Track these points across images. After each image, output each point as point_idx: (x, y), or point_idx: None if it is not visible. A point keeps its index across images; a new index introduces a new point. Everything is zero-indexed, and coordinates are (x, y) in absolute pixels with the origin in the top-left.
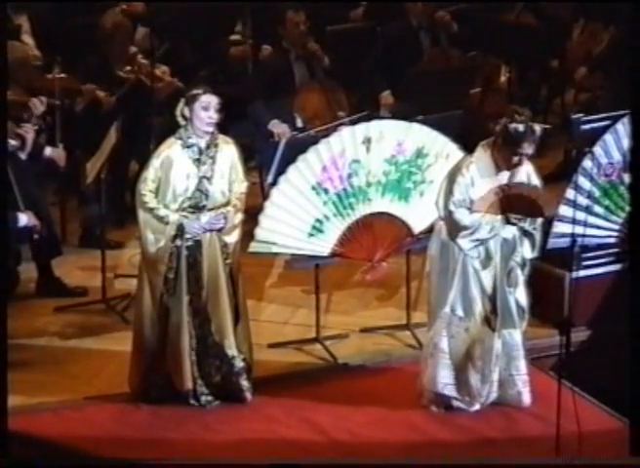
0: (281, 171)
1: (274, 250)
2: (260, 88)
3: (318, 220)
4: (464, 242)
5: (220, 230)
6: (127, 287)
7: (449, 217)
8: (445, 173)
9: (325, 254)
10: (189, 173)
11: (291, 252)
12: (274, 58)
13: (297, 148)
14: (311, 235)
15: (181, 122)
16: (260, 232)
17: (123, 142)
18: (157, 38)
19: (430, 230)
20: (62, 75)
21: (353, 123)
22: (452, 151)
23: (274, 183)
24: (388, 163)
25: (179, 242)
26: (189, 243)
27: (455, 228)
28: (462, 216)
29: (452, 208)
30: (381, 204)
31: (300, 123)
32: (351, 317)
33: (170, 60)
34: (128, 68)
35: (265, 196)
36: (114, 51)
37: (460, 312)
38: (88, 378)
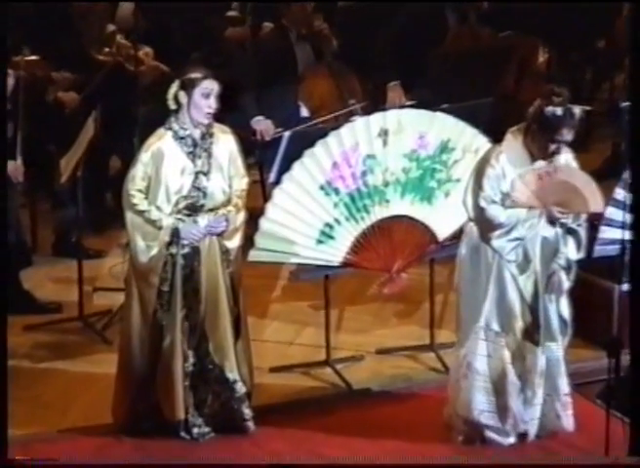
0: (285, 168)
1: (277, 259)
2: (256, 74)
3: (328, 225)
4: (500, 243)
5: (220, 234)
6: (107, 301)
7: (480, 216)
8: None
9: (336, 264)
10: (184, 168)
11: (296, 261)
12: (272, 38)
13: (302, 142)
14: (320, 242)
15: (172, 106)
16: (260, 238)
17: (102, 135)
18: (142, 15)
19: (457, 236)
20: (33, 57)
21: (367, 112)
22: (481, 145)
23: (277, 182)
24: (408, 158)
25: (174, 249)
26: (186, 250)
27: (488, 228)
28: (496, 213)
29: (483, 204)
30: (401, 206)
31: (305, 112)
32: (366, 336)
33: (156, 41)
34: (106, 50)
35: (267, 197)
36: (89, 30)
37: (496, 326)
38: (62, 407)
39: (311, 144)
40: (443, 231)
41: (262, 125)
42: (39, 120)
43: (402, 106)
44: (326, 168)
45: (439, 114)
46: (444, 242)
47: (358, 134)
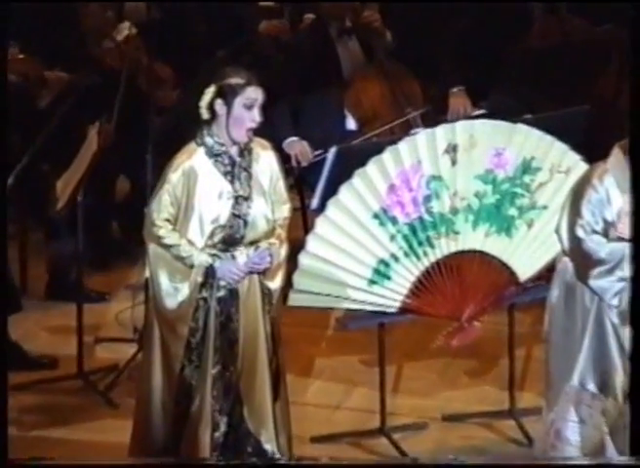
0: (330, 191)
1: (320, 303)
2: (291, 78)
3: (383, 262)
4: (601, 283)
5: (262, 272)
6: (113, 355)
7: (577, 249)
8: (564, 193)
9: (392, 310)
10: (221, 191)
11: (344, 305)
12: (307, 33)
13: (352, 160)
14: (373, 282)
15: (205, 116)
16: (299, 278)
17: (108, 151)
18: (156, 4)
19: (541, 277)
20: (21, 56)
21: (428, 123)
22: (574, 163)
23: (320, 209)
24: (483, 180)
25: (207, 292)
26: (221, 293)
27: (586, 264)
28: (597, 246)
29: (581, 234)
30: (473, 238)
31: (352, 124)
32: (430, 399)
33: (173, 35)
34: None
35: (308, 227)
36: (89, 19)
37: (592, 387)
38: None
39: (362, 163)
40: (525, 270)
41: (297, 148)
42: (30, 132)
43: (469, 117)
44: (381, 192)
45: (520, 126)
46: (526, 283)
47: (421, 150)
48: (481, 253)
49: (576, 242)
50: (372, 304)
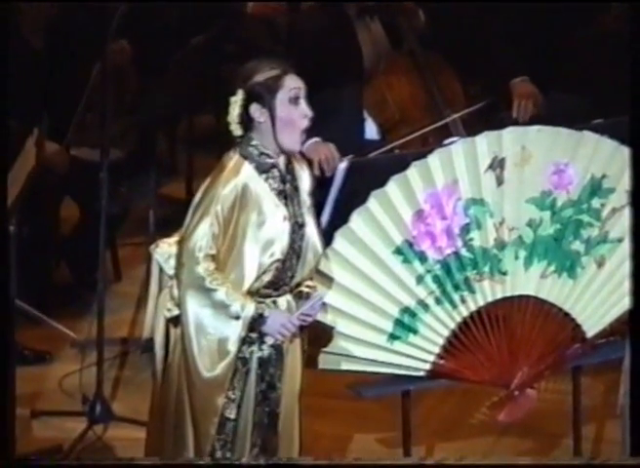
0: (339, 218)
1: (327, 365)
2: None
3: (407, 310)
4: None
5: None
6: (55, 433)
7: None
8: None
9: (420, 373)
10: (278, 216)
11: (357, 368)
12: (316, 14)
13: (368, 177)
14: (395, 337)
15: (238, 131)
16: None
17: (49, 167)
18: None
19: (617, 331)
20: None
21: (470, 129)
22: None
23: (327, 241)
24: (538, 205)
25: (247, 349)
26: (264, 352)
27: None
28: None
29: None
30: (525, 280)
31: (373, 130)
32: None
33: (138, 19)
34: None
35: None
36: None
37: None
38: None
39: (381, 182)
40: (593, 322)
41: (322, 151)
42: None
43: (537, 118)
44: (405, 219)
45: (588, 134)
46: (595, 339)
47: (457, 165)
48: (536, 299)
49: None
50: (393, 366)
